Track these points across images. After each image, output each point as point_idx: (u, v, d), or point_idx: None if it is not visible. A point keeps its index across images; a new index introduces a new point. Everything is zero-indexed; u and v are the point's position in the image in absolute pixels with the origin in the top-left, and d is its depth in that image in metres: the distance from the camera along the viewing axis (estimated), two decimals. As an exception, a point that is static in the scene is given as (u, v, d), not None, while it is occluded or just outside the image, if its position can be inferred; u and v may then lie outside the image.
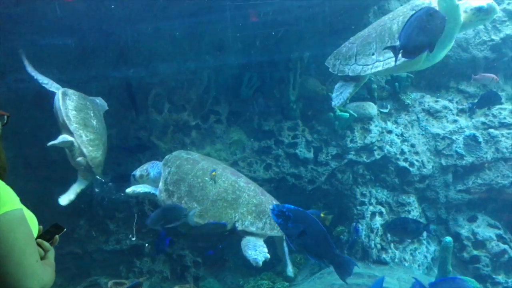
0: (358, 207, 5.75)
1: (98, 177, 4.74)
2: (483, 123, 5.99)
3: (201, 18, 4.85)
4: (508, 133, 5.86)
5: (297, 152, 5.70)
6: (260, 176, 5.60)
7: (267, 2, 4.56)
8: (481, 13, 3.98)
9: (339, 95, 4.37)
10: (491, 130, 5.92)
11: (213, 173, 4.46)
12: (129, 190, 4.58)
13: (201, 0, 4.65)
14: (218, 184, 4.53)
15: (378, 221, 5.66)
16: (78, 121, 4.48)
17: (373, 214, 5.70)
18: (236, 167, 5.54)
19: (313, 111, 5.91)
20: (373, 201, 5.78)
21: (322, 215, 4.49)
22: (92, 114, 4.66)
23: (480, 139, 5.86)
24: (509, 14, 5.91)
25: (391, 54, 3.96)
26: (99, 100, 5.04)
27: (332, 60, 4.54)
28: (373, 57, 4.22)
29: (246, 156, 5.65)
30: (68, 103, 4.51)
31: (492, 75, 5.80)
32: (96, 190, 5.07)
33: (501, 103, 5.82)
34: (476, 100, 5.86)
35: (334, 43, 4.89)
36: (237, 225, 4.46)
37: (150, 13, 4.71)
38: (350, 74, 4.35)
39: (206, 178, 4.55)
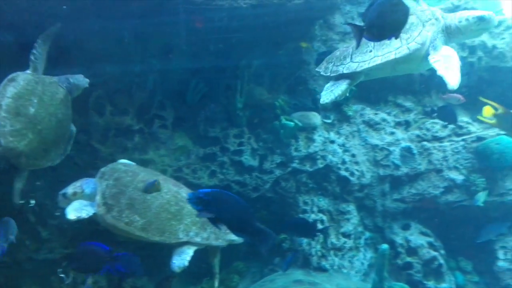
0: (301, 215, 5.86)
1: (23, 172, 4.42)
2: (418, 136, 6.34)
3: (149, 20, 4.71)
4: (440, 146, 6.25)
5: (243, 160, 5.71)
6: (205, 183, 5.53)
7: (220, 8, 4.53)
8: (482, 22, 4.03)
9: (329, 92, 4.13)
10: (425, 143, 6.28)
11: (156, 183, 4.33)
12: (72, 217, 4.19)
13: (151, 1, 4.53)
14: (160, 196, 4.41)
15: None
16: (10, 109, 4.14)
17: (315, 222, 5.82)
18: (180, 174, 5.45)
19: (259, 119, 5.95)
20: (315, 209, 5.91)
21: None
22: (35, 101, 4.29)
23: (415, 151, 6.19)
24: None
25: (390, 49, 3.95)
26: (74, 79, 4.63)
27: (324, 64, 4.39)
28: (371, 53, 4.08)
29: (191, 163, 5.57)
30: (8, 90, 4.19)
31: (459, 96, 6.13)
32: (16, 198, 4.63)
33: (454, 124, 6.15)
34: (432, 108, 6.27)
35: (284, 53, 4.99)
36: (181, 236, 4.37)
37: (95, 12, 4.51)
38: (345, 72, 4.17)
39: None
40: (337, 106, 6.32)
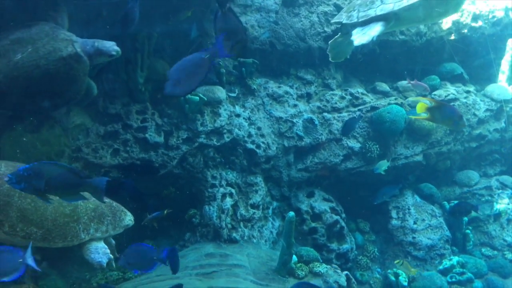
0: (210, 190, 5.85)
1: None
2: (319, 107, 6.62)
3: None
4: (339, 117, 6.59)
5: (147, 137, 5.51)
6: (108, 163, 5.26)
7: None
8: None
9: (363, 35, 3.84)
10: (325, 114, 6.58)
11: None
12: None
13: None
14: (50, 199, 4.10)
15: (228, 202, 5.85)
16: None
17: (224, 195, 5.86)
18: (79, 154, 5.12)
19: (162, 94, 5.75)
20: (224, 183, 5.94)
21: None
22: (29, 49, 4.16)
23: (317, 122, 6.46)
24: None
25: None
26: (99, 44, 4.38)
27: (344, 14, 4.13)
28: None
29: (91, 141, 5.23)
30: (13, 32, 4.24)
31: (425, 85, 6.56)
32: None
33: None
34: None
35: (184, 22, 4.82)
36: (83, 236, 4.15)
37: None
38: (378, 13, 3.92)
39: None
40: (241, 79, 6.35)
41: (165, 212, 4.68)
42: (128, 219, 4.51)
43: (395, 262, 6.18)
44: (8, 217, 3.83)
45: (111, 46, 4.42)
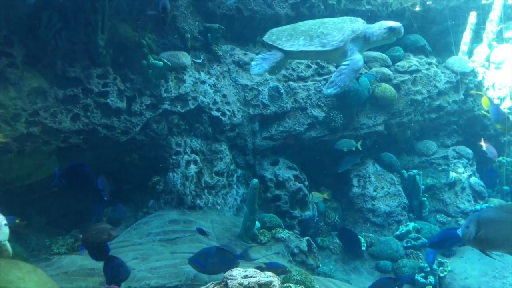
0: (174, 157, 5.81)
1: None
2: (284, 75, 6.61)
3: None
4: (305, 85, 6.61)
5: (109, 102, 5.36)
6: (67, 127, 5.10)
7: None
8: None
9: None
10: (291, 83, 6.58)
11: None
12: None
13: None
14: None
15: (193, 169, 5.84)
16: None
17: (188, 162, 5.84)
18: (37, 118, 4.93)
19: (125, 58, 5.58)
20: (188, 150, 5.91)
21: (17, 221, 4.37)
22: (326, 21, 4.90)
23: (282, 90, 6.46)
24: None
25: None
26: (375, 30, 4.59)
27: None
28: None
29: (49, 105, 5.04)
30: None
31: (495, 153, 6.61)
32: None
33: None
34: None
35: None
36: None
37: None
38: None
39: None
40: (207, 45, 6.23)
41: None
42: None
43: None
44: None
45: (382, 31, 4.66)
